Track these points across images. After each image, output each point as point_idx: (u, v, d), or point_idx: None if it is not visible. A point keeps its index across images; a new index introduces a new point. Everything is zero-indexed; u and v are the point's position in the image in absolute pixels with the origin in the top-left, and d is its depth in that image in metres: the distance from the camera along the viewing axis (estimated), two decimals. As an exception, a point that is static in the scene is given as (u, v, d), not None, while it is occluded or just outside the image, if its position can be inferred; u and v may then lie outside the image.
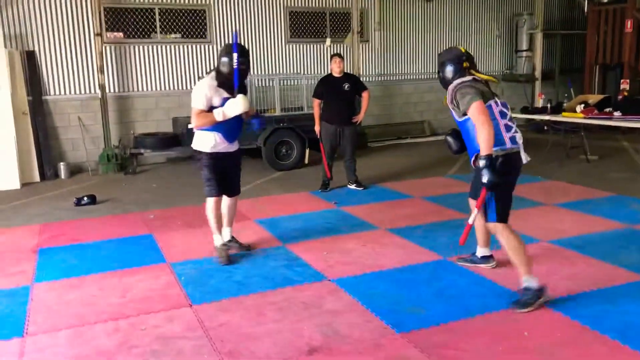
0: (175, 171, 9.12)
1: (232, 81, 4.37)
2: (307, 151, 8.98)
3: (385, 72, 12.06)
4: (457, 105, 3.66)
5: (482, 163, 3.48)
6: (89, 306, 3.86)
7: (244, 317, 3.63)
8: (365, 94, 7.10)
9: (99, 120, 9.37)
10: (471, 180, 4.32)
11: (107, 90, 9.37)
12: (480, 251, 4.36)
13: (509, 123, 3.76)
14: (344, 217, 5.95)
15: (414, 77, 12.45)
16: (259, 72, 10.70)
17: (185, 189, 7.69)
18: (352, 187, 7.27)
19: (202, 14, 10.32)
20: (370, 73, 11.61)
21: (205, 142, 4.58)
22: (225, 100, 4.40)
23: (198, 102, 4.40)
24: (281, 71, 10.89)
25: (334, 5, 11.30)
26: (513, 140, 3.70)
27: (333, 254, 4.80)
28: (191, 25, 10.26)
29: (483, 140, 3.48)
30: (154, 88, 10.06)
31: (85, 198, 6.90)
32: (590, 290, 3.85)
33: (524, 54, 13.16)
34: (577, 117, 8.18)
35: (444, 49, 4.17)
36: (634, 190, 6.72)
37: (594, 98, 8.72)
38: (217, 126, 4.48)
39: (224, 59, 4.40)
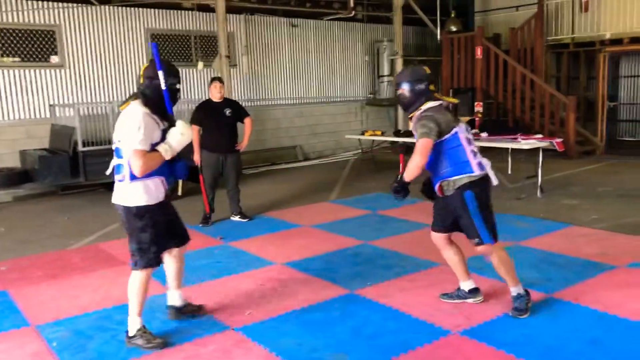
0: (25, 211, 7.99)
1: (163, 107, 3.47)
2: (180, 182, 8.35)
3: (255, 97, 11.81)
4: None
5: (395, 185, 3.68)
6: None
7: (141, 387, 3.06)
8: (247, 120, 6.73)
9: None
10: (435, 212, 3.98)
11: (-64, 121, 8.03)
12: (467, 285, 4.08)
13: (474, 149, 3.69)
14: (235, 254, 5.48)
15: (283, 102, 12.33)
16: (121, 98, 9.89)
17: (42, 232, 6.73)
18: (236, 218, 6.83)
19: (51, 35, 9.31)
20: (240, 98, 11.25)
21: (141, 192, 3.43)
22: (164, 132, 3.47)
23: (139, 140, 3.30)
24: (145, 97, 10.15)
25: (199, 28, 10.85)
26: (481, 166, 3.67)
27: (229, 297, 4.33)
28: (38, 48, 9.21)
29: (410, 167, 3.56)
30: (-5, 117, 8.83)
31: None
32: (503, 315, 3.80)
33: (386, 79, 13.65)
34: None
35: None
36: (507, 207, 7.02)
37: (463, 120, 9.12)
38: (157, 169, 3.45)
39: (152, 80, 3.45)
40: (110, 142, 8.00)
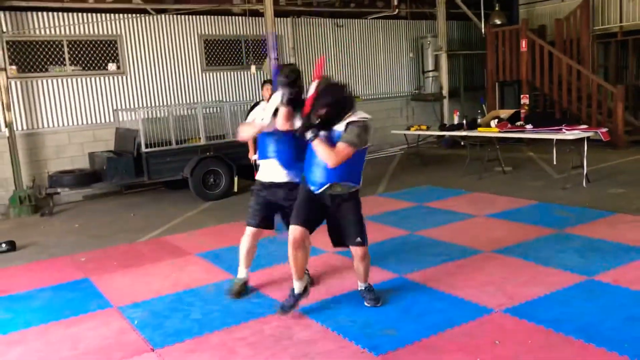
0: (95, 209, 8.64)
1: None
2: (236, 179, 8.84)
3: (303, 97, 12.17)
4: (345, 130, 3.63)
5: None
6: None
7: (215, 357, 3.47)
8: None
9: (6, 161, 8.72)
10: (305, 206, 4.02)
11: (14, 128, 8.75)
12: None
13: None
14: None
15: (330, 100, 12.66)
16: (178, 101, 10.47)
17: (112, 227, 7.32)
18: (289, 212, 7.22)
19: (113, 45, 9.96)
20: (289, 98, 11.65)
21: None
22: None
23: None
24: (200, 99, 10.72)
25: (248, 33, 11.32)
26: None
27: (287, 281, 4.71)
28: (102, 57, 9.87)
29: (325, 155, 3.64)
30: (65, 123, 9.54)
31: (3, 245, 6.36)
32: (544, 295, 4.04)
33: (431, 74, 13.82)
34: (493, 131, 8.66)
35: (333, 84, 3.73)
36: (553, 197, 7.19)
37: (505, 113, 9.28)
38: None
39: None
40: (169, 143, 8.60)
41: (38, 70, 9.27)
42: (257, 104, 7.21)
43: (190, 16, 10.66)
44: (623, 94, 10.99)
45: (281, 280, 4.78)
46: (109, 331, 3.98)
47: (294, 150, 4.11)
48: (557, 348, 3.29)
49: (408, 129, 10.98)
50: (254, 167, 7.13)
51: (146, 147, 8.44)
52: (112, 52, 9.96)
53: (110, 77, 9.96)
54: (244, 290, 4.49)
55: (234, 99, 11.11)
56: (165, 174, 8.71)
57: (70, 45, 9.56)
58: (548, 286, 4.17)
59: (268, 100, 6.97)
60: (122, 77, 10.08)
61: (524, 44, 12.28)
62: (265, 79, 7.50)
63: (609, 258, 4.73)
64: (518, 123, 8.73)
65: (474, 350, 3.33)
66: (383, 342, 3.48)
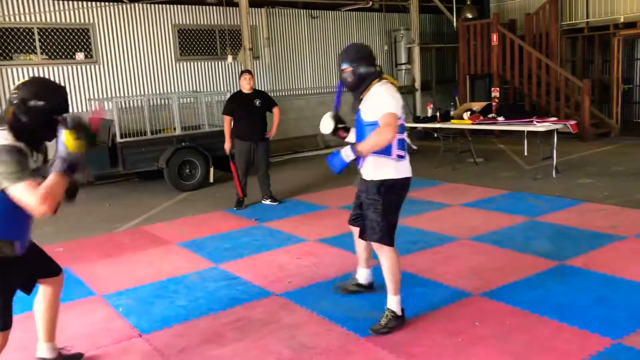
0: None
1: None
2: (212, 170, 8.84)
3: (277, 88, 12.23)
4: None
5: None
6: (27, 350, 3.53)
7: (204, 341, 3.53)
8: (276, 110, 7.18)
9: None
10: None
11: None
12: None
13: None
14: (270, 233, 5.96)
15: (305, 91, 12.75)
16: (152, 91, 10.40)
17: (88, 217, 7.27)
18: (267, 202, 7.29)
19: (86, 33, 9.83)
20: (263, 88, 11.64)
21: (397, 167, 3.51)
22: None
23: (395, 108, 3.38)
24: (174, 89, 10.67)
25: (223, 22, 11.29)
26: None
27: (270, 269, 4.80)
28: (74, 45, 9.73)
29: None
30: (36, 112, 9.37)
31: (-22, 235, 6.25)
32: (520, 279, 4.21)
33: (404, 66, 13.99)
34: (465, 123, 8.86)
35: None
36: (524, 187, 7.41)
37: (478, 105, 9.49)
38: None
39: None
40: (144, 133, 8.54)
41: (7, 58, 9.10)
42: (237, 93, 7.25)
43: (164, 5, 10.58)
44: (590, 88, 11.33)
45: (264, 267, 4.86)
46: (94, 318, 4.00)
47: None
48: (534, 328, 3.45)
49: (382, 120, 11.11)
50: (230, 158, 7.22)
51: (121, 137, 8.38)
52: (84, 40, 9.83)
53: (83, 66, 9.83)
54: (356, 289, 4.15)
55: (208, 89, 11.08)
56: (141, 165, 8.66)
57: (42, 33, 9.40)
58: (522, 271, 4.34)
59: (249, 90, 7.05)
60: (95, 66, 9.96)
61: (495, 37, 12.55)
62: (244, 69, 7.52)
63: (579, 244, 4.94)
64: (490, 115, 8.95)
65: (454, 331, 3.47)
66: (367, 324, 3.59)
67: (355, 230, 3.95)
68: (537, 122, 8.06)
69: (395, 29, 14.08)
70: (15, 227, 2.77)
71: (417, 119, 10.20)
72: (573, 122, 8.15)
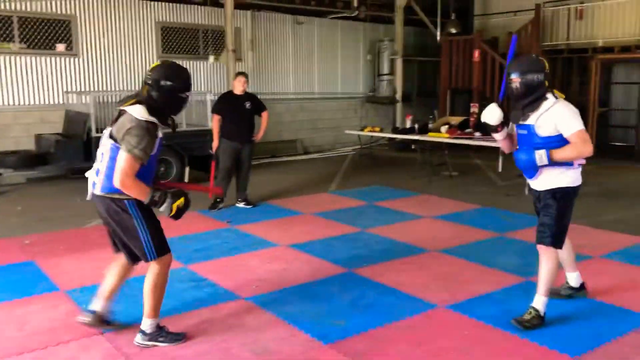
0: (40, 192, 8.41)
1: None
2: (187, 169, 8.78)
3: (259, 91, 12.17)
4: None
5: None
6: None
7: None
8: (265, 114, 7.23)
9: (-53, 138, 8.40)
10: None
11: (-44, 104, 8.42)
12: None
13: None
14: (242, 236, 5.93)
15: (286, 96, 12.75)
16: (132, 87, 10.31)
17: (59, 211, 7.16)
18: (241, 205, 7.27)
19: (67, 25, 9.72)
20: (245, 91, 11.67)
21: (574, 176, 3.69)
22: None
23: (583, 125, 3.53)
24: (154, 87, 10.58)
25: (207, 23, 11.25)
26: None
27: (239, 273, 4.78)
28: (54, 36, 9.61)
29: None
30: (10, 102, 9.24)
31: (-58, 224, 6.13)
32: (485, 293, 4.26)
33: (386, 77, 14.09)
34: (443, 136, 8.94)
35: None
36: (496, 202, 7.50)
37: (456, 120, 9.59)
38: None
39: None
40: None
41: (-14, 45, 8.96)
42: (228, 94, 7.27)
43: (148, 2, 10.51)
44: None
45: (233, 270, 4.83)
46: (56, 314, 3.94)
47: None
48: (495, 342, 3.49)
49: (362, 129, 11.19)
50: (213, 157, 7.19)
51: (97, 131, 8.27)
52: (65, 32, 9.71)
53: (62, 58, 9.71)
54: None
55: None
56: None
57: (21, 22, 9.26)
58: (488, 285, 4.39)
59: (241, 92, 7.04)
60: (74, 59, 9.84)
61: (476, 54, 12.71)
62: (239, 71, 7.56)
63: (546, 261, 5.00)
64: (467, 130, 9.05)
65: (417, 342, 3.49)
66: (332, 332, 3.60)
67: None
68: (513, 139, 8.15)
69: (380, 39, 14.19)
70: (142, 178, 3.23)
71: (395, 130, 10.26)
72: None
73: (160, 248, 3.44)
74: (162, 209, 3.30)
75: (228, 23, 10.52)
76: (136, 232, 3.35)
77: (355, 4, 12.63)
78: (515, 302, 4.09)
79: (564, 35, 12.84)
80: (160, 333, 3.46)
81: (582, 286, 4.18)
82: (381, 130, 10.86)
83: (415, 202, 7.64)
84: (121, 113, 3.25)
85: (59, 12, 9.59)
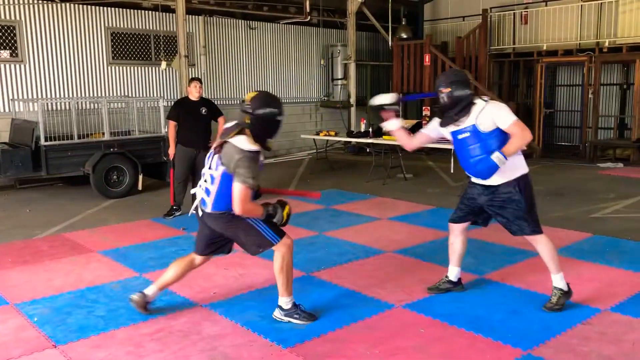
0: (-15, 204, 8.12)
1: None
2: (141, 177, 8.63)
3: (212, 97, 12.09)
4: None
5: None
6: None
7: (122, 352, 3.44)
8: (221, 119, 7.15)
9: None
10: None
11: None
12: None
13: None
14: (198, 242, 5.86)
15: (240, 102, 12.68)
16: (82, 94, 10.07)
17: (5, 223, 6.93)
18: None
19: (12, 31, 9.42)
20: (198, 97, 11.55)
21: (524, 162, 4.05)
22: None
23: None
24: (105, 93, 10.37)
25: (158, 28, 11.11)
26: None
27: (195, 280, 4.73)
28: (-1, 42, 9.32)
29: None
30: (-47, 110, 8.88)
31: None
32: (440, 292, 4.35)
33: (340, 82, 14.20)
34: (396, 140, 9.05)
35: (273, 76, 4.12)
36: (449, 203, 7.63)
37: (408, 123, 9.74)
38: None
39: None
40: (71, 137, 8.24)
41: None
42: (183, 100, 7.19)
43: (97, 7, 10.30)
44: (515, 111, 11.86)
45: (190, 277, 4.76)
46: (5, 328, 3.81)
47: None
48: (451, 339, 3.57)
49: (317, 134, 11.24)
50: (170, 164, 7.09)
51: (46, 140, 8.06)
52: (10, 38, 9.42)
53: (7, 65, 9.41)
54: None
55: (141, 95, 10.84)
56: (65, 169, 8.35)
57: (-37, 28, 8.94)
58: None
59: (197, 98, 6.96)
60: (20, 66, 9.55)
61: (427, 58, 12.97)
62: (194, 77, 7.48)
63: (497, 259, 5.17)
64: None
65: (375, 342, 3.54)
66: (290, 336, 3.61)
67: (457, 228, 4.31)
68: (464, 141, 8.35)
69: (333, 44, 14.30)
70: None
71: (350, 134, 10.35)
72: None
73: (278, 231, 3.78)
74: (275, 219, 3.72)
75: (180, 28, 10.40)
76: (253, 227, 3.68)
77: (308, 9, 12.70)
78: (469, 299, 4.20)
79: (510, 39, 13.26)
80: (296, 310, 3.80)
81: (460, 281, 4.38)
82: (336, 135, 10.95)
83: (371, 205, 7.73)
84: (224, 142, 3.55)
85: (2, 17, 9.29)
